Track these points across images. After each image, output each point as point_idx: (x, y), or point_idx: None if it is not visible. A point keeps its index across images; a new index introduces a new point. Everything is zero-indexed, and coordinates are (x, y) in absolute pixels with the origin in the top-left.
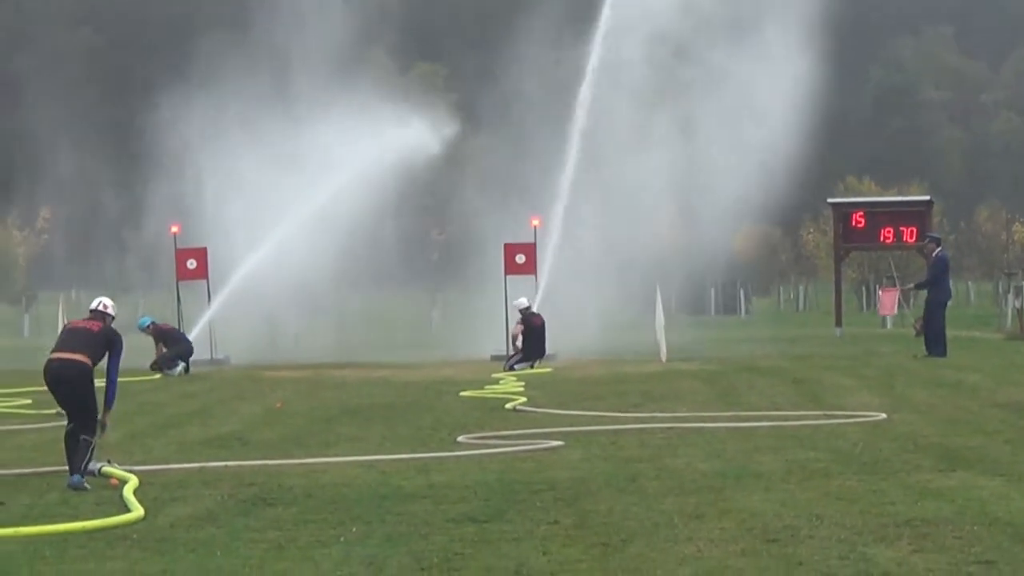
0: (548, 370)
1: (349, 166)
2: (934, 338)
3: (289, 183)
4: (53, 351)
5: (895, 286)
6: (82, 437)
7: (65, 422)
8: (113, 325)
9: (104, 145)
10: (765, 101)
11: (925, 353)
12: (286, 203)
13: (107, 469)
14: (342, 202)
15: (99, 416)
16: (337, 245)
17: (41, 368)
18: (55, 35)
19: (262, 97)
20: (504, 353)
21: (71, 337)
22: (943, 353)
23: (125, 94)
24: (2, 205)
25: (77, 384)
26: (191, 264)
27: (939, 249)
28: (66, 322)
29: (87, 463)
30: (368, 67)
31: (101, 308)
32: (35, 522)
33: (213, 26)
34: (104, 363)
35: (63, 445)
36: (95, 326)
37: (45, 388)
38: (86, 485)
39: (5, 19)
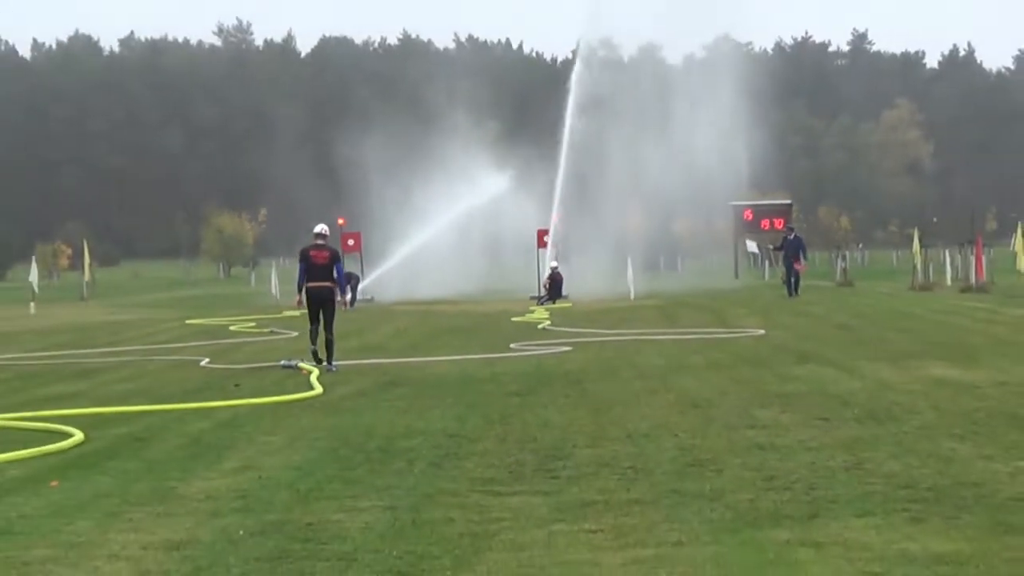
0: (568, 304)
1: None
2: (793, 286)
3: (424, 205)
4: (310, 281)
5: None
6: (329, 338)
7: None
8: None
9: (312, 169)
10: (696, 140)
11: (788, 295)
12: (424, 215)
13: (301, 364)
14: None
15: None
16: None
17: (262, 304)
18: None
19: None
20: (537, 295)
21: (319, 271)
22: (797, 295)
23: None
24: (237, 206)
25: (328, 301)
26: (350, 242)
27: (794, 234)
28: (309, 255)
29: (333, 356)
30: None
31: (324, 231)
32: (259, 396)
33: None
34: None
35: (313, 346)
36: (325, 257)
37: (263, 316)
38: (334, 368)
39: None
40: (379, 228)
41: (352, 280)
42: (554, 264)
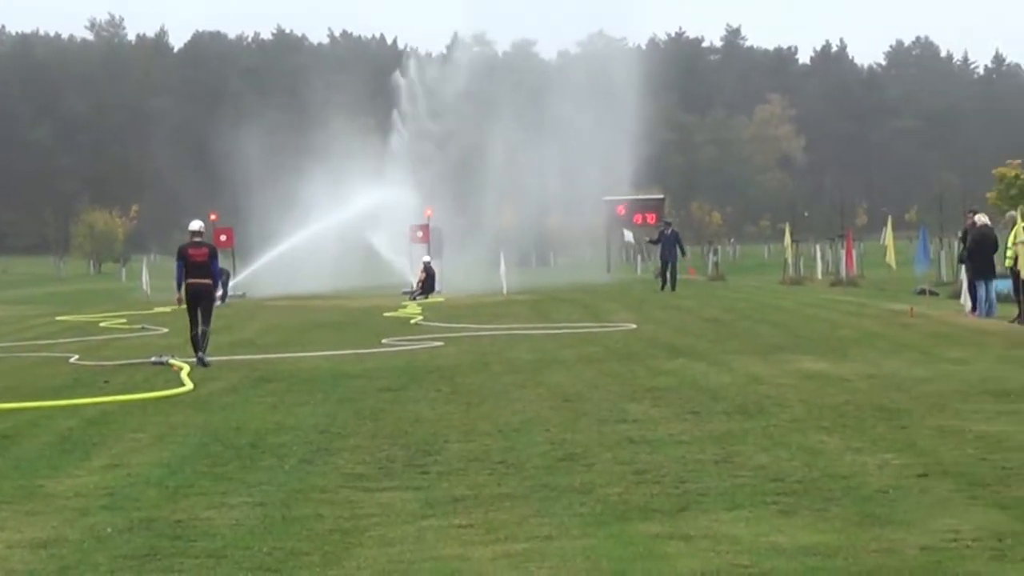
0: (441, 299)
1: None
2: (669, 280)
3: (299, 201)
4: (189, 278)
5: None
6: (205, 329)
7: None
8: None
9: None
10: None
11: (660, 289)
12: (300, 210)
13: (172, 361)
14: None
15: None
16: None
17: (132, 301)
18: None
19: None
20: (410, 290)
21: (197, 268)
22: (674, 289)
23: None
24: (108, 202)
25: (206, 298)
26: (223, 238)
27: (670, 228)
28: (188, 252)
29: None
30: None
31: (201, 228)
32: (129, 392)
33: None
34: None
35: (191, 344)
36: (203, 254)
37: (134, 312)
38: (206, 360)
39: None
40: (253, 223)
41: (223, 276)
42: (427, 259)
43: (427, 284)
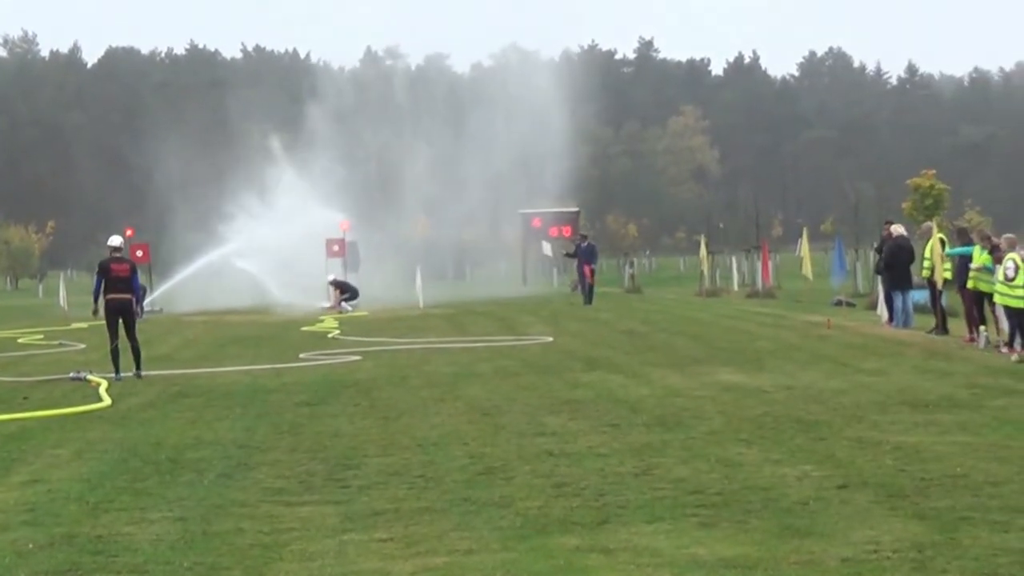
0: (364, 313)
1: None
2: (587, 294)
3: (214, 215)
4: (111, 293)
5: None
6: (136, 346)
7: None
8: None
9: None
10: (484, 148)
11: (583, 303)
12: (215, 225)
13: (90, 376)
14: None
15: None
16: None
17: (50, 317)
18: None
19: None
20: (327, 306)
21: (119, 283)
22: (590, 302)
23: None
24: (24, 217)
25: (128, 312)
26: (139, 253)
27: (587, 241)
28: (110, 267)
29: (141, 363)
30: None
31: (121, 244)
32: (47, 408)
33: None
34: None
35: (110, 357)
36: (125, 269)
37: (52, 328)
38: (143, 375)
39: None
40: (170, 239)
41: (142, 291)
42: (330, 277)
43: (349, 292)
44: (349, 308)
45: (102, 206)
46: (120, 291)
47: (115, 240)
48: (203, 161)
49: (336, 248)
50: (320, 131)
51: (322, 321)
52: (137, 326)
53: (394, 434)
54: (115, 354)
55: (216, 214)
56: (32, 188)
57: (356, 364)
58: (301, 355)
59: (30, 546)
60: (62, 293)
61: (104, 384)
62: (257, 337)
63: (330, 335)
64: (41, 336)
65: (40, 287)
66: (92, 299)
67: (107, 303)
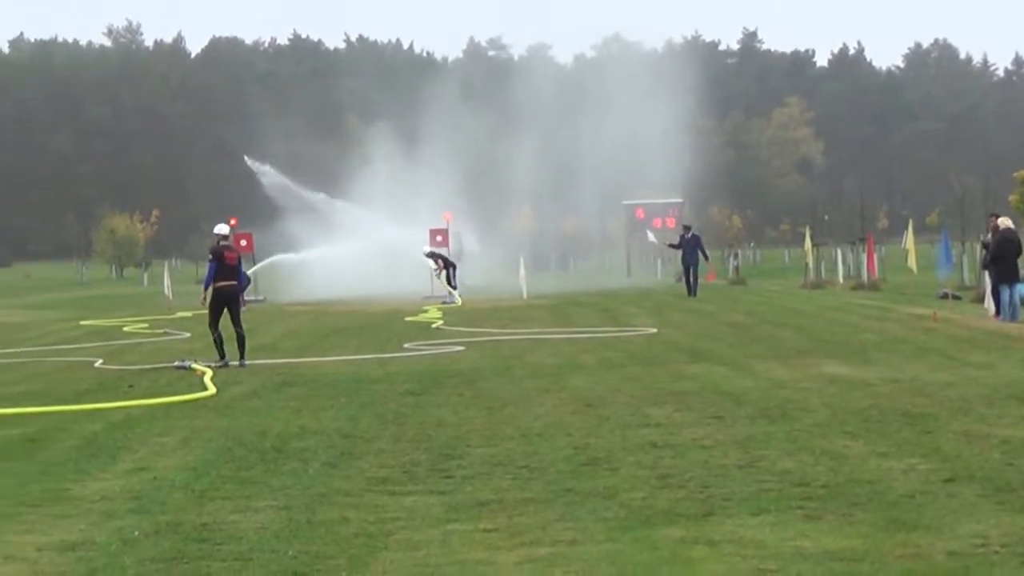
0: (458, 303)
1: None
2: (692, 285)
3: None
4: (222, 280)
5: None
6: (241, 334)
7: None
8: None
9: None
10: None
11: (687, 295)
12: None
13: (195, 365)
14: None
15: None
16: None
17: (154, 306)
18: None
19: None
20: (430, 295)
21: (230, 271)
22: (694, 294)
23: (222, 139)
24: (129, 206)
25: (236, 299)
26: (243, 243)
27: (691, 232)
28: (224, 255)
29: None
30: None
31: (229, 232)
32: (153, 396)
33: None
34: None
35: (215, 345)
36: (234, 257)
37: (157, 316)
38: (246, 364)
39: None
40: (272, 229)
41: (247, 280)
42: (426, 249)
43: (443, 261)
44: (457, 300)
45: (206, 195)
46: (229, 278)
47: (223, 228)
48: (307, 151)
49: (439, 239)
50: (423, 121)
51: (426, 311)
52: (242, 314)
53: (498, 424)
54: (219, 341)
55: (320, 204)
56: (137, 177)
57: (460, 354)
58: (405, 345)
59: (136, 533)
60: (167, 282)
61: (209, 373)
62: (360, 327)
63: (434, 325)
64: (146, 325)
65: (145, 276)
66: (203, 287)
67: (216, 290)
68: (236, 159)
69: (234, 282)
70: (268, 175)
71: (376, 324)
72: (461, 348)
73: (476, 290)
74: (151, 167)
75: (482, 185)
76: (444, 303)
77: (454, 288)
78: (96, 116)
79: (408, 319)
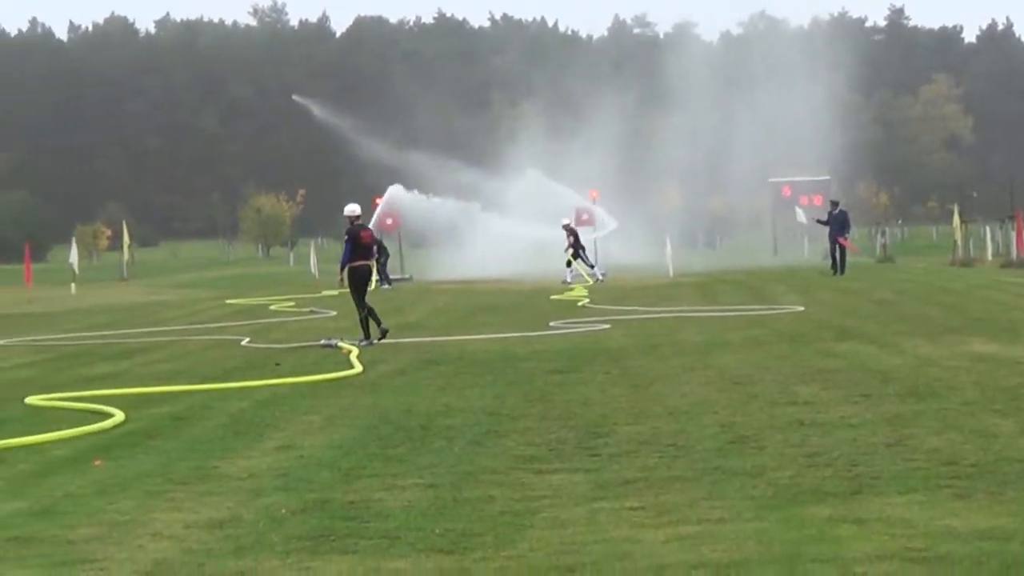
0: (588, 284)
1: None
2: (838, 263)
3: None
4: (357, 260)
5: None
6: (366, 315)
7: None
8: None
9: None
10: (732, 117)
11: (832, 272)
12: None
13: (341, 343)
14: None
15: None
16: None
17: (300, 284)
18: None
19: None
20: (567, 280)
21: (365, 250)
22: (842, 272)
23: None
24: (274, 186)
25: (368, 279)
26: (388, 221)
27: (838, 208)
28: (360, 235)
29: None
30: None
31: (360, 212)
32: (299, 374)
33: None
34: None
35: (360, 324)
36: (369, 236)
37: (303, 295)
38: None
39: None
40: (414, 207)
41: (384, 257)
42: (565, 221)
43: (575, 239)
44: (600, 276)
45: (351, 175)
46: (364, 258)
47: (355, 208)
48: (452, 130)
49: (585, 216)
50: (569, 99)
51: (572, 290)
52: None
53: (644, 402)
54: (365, 321)
55: (466, 182)
56: (282, 157)
57: (606, 332)
58: (551, 323)
59: (283, 511)
60: (313, 261)
61: (355, 351)
62: (506, 305)
63: (580, 303)
64: (292, 303)
65: (291, 255)
66: (339, 268)
67: (351, 270)
68: (382, 139)
69: (367, 262)
70: (317, 110)
71: (522, 302)
72: (607, 326)
73: (621, 269)
74: (296, 146)
75: (628, 163)
76: (569, 282)
77: (591, 266)
78: (241, 96)
79: (554, 297)
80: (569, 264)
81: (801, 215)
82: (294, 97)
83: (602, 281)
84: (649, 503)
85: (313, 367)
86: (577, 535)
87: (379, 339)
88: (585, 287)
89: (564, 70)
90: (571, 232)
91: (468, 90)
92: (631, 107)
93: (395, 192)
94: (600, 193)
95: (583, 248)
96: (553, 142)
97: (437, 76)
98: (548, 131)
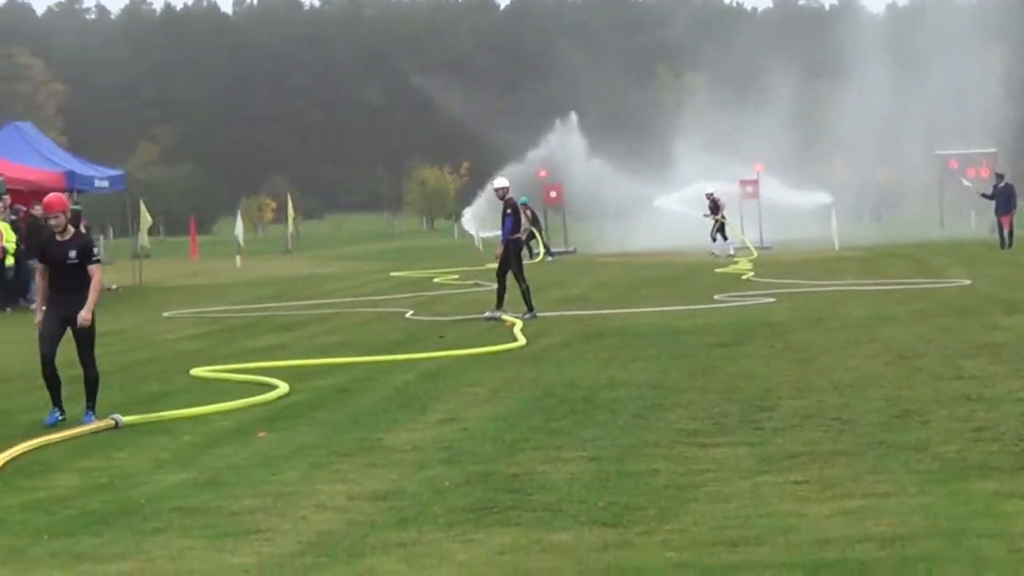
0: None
1: None
2: (1005, 237)
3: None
4: (514, 234)
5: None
6: (526, 286)
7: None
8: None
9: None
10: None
11: (1000, 246)
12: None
13: (504, 316)
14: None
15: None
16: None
17: (464, 257)
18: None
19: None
20: (740, 246)
21: (520, 223)
22: (1010, 245)
23: (533, 90)
24: (439, 159)
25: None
26: (552, 194)
27: (1003, 182)
28: (520, 207)
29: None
30: None
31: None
32: (463, 347)
33: None
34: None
35: (523, 297)
36: (526, 209)
37: (467, 268)
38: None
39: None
40: (579, 180)
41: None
42: (709, 190)
43: (720, 211)
44: (731, 251)
45: (515, 148)
46: (519, 230)
47: (504, 181)
48: (618, 103)
49: (750, 189)
50: (735, 71)
51: (736, 263)
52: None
53: (809, 376)
54: (527, 293)
55: (634, 154)
56: (446, 130)
57: (770, 306)
58: (715, 296)
59: (447, 483)
60: (476, 233)
61: (519, 324)
62: (670, 278)
63: (744, 277)
64: (456, 276)
65: (455, 227)
66: (502, 240)
67: (512, 242)
68: (546, 112)
69: (521, 234)
70: (439, 94)
71: (686, 276)
72: (772, 299)
73: (787, 242)
74: (461, 119)
75: (795, 136)
76: (732, 254)
77: (724, 239)
78: (405, 69)
79: (718, 270)
80: (721, 232)
81: (966, 181)
82: (412, 79)
83: (732, 258)
84: (813, 477)
85: (476, 339)
86: (741, 509)
87: (496, 314)
88: (749, 260)
89: (729, 42)
90: (714, 202)
91: (633, 62)
92: (797, 80)
93: (558, 164)
94: (765, 166)
95: (726, 220)
96: (719, 114)
97: (602, 48)
98: (714, 103)
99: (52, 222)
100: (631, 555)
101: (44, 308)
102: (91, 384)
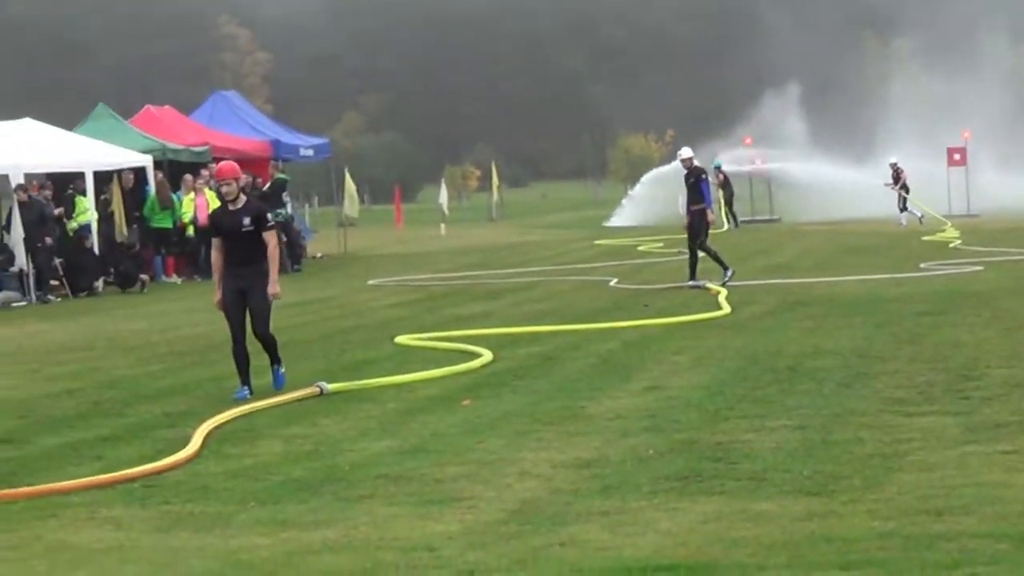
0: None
1: None
2: None
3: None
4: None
5: None
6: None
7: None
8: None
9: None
10: None
11: None
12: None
13: (709, 285)
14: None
15: None
16: None
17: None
18: None
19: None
20: (947, 213)
21: (698, 194)
22: None
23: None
24: (643, 126)
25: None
26: (757, 162)
27: None
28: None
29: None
30: None
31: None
32: (667, 315)
33: None
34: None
35: (716, 261)
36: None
37: (671, 236)
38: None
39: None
40: (781, 146)
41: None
42: (893, 160)
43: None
44: (917, 213)
45: (717, 114)
46: (697, 202)
47: (687, 151)
48: (825, 70)
49: (957, 157)
50: (944, 36)
51: (943, 231)
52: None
53: (1017, 345)
54: (716, 257)
55: (841, 125)
56: (650, 97)
57: (977, 274)
58: (921, 265)
59: (650, 452)
60: (680, 200)
61: (724, 292)
62: (876, 247)
63: (951, 245)
64: (661, 244)
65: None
66: (706, 207)
67: (699, 211)
68: (755, 80)
69: (702, 205)
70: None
71: (891, 244)
72: (979, 268)
73: (996, 211)
74: (663, 86)
75: (1007, 101)
76: (919, 215)
77: (903, 210)
78: (609, 36)
79: (925, 238)
80: (904, 202)
81: None
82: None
83: (903, 226)
84: (1021, 447)
85: (681, 308)
86: (947, 478)
87: (702, 282)
88: (956, 227)
89: (937, 6)
90: (897, 172)
91: (838, 27)
92: (1006, 45)
93: (765, 131)
94: (973, 133)
95: (907, 193)
96: (928, 79)
97: (805, 14)
98: (923, 68)
99: (224, 189)
100: (836, 524)
101: (221, 284)
102: (270, 347)
